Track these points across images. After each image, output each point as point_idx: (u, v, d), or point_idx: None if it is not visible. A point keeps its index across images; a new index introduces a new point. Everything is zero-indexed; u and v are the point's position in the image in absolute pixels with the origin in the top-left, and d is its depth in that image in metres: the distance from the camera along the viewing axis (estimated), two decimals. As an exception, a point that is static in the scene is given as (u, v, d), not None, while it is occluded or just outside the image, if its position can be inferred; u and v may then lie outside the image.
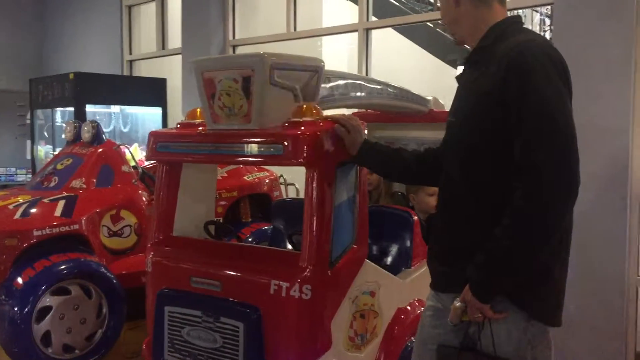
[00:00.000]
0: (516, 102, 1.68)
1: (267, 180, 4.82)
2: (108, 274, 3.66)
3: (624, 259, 3.69)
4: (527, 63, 1.70)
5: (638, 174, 3.71)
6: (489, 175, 1.77)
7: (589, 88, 3.66)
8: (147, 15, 7.91)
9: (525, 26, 1.97)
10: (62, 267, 3.50)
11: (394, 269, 2.81)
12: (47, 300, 3.47)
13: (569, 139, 1.66)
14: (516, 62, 1.71)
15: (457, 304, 1.82)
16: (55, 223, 3.62)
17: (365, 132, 2.37)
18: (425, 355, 1.96)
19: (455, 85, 2.02)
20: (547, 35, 7.21)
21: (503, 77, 1.72)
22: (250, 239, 4.27)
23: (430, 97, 3.55)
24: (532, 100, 1.67)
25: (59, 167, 4.16)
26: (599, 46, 3.73)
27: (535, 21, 8.39)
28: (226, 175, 4.57)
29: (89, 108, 6.61)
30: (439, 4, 8.04)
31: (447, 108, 3.66)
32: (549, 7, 6.60)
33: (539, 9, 7.62)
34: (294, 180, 4.99)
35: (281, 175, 4.96)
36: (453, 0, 1.93)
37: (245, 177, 4.70)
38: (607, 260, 3.71)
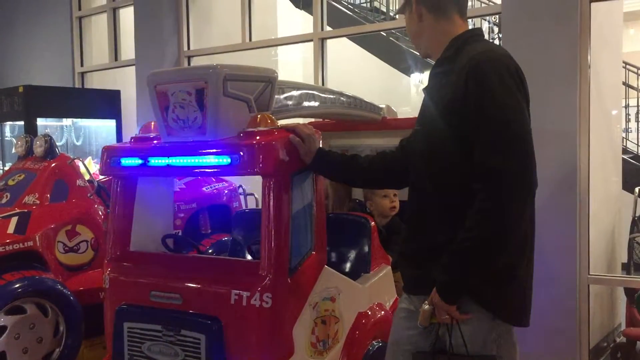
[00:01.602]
0: (475, 110, 1.76)
1: (226, 191, 4.81)
2: (64, 290, 3.58)
3: (575, 258, 3.81)
4: (486, 72, 1.78)
5: (586, 175, 3.85)
6: (456, 179, 1.84)
7: (537, 93, 3.73)
8: (98, 26, 7.79)
9: (485, 38, 2.04)
10: (17, 285, 3.42)
11: (354, 274, 2.84)
12: (2, 320, 3.38)
13: (525, 144, 1.76)
14: (475, 71, 1.79)
15: (426, 306, 1.86)
16: (8, 240, 3.53)
17: (320, 141, 2.41)
18: (399, 355, 2.00)
19: (413, 92, 2.09)
20: (496, 42, 7.41)
21: (463, 86, 1.79)
22: (210, 251, 4.25)
23: (383, 105, 3.61)
24: (490, 108, 1.75)
25: (10, 182, 4.06)
26: (546, 53, 3.86)
27: (483, 29, 8.61)
28: (184, 187, 4.54)
29: (40, 122, 6.45)
30: (392, 14, 8.21)
31: (400, 115, 3.77)
32: (498, 15, 6.80)
33: (487, 17, 7.82)
34: (253, 190, 4.99)
35: (240, 186, 4.96)
36: (416, 15, 2.00)
37: (204, 189, 4.67)
38: (559, 260, 3.83)
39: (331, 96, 3.06)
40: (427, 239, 1.91)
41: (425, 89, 2.04)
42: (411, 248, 2.01)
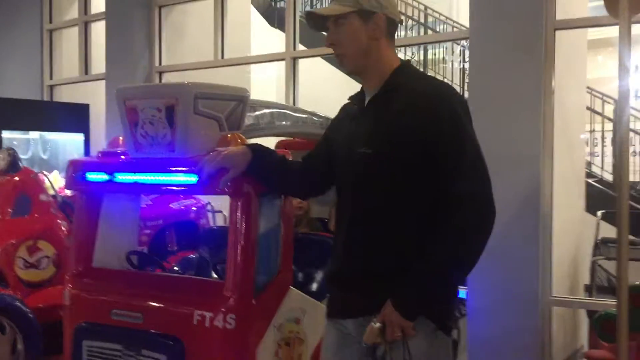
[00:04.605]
0: (446, 141, 1.84)
1: (193, 208, 4.77)
2: (23, 307, 3.51)
3: (537, 280, 3.87)
4: (450, 106, 1.87)
5: (548, 198, 3.92)
6: (410, 204, 1.87)
7: (501, 118, 3.86)
8: (69, 39, 7.71)
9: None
10: (-27, 302, 3.34)
11: (319, 295, 2.83)
12: (-44, 337, 3.29)
13: (487, 171, 1.88)
14: (438, 104, 1.86)
15: (376, 324, 1.85)
16: (-34, 256, 3.45)
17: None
18: None
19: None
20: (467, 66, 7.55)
21: (425, 118, 1.84)
22: (176, 268, 4.19)
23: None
24: (461, 139, 1.85)
25: (-29, 196, 3.97)
26: (511, 78, 3.94)
27: (456, 53, 8.76)
28: (151, 202, 4.49)
29: (6, 134, 6.36)
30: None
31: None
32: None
33: (459, 40, 7.97)
34: (221, 207, 4.95)
35: (208, 203, 4.92)
36: (374, 31, 1.98)
37: (171, 205, 4.63)
38: (522, 281, 3.88)
39: (303, 116, 3.08)
40: (375, 262, 1.91)
41: (360, 113, 2.00)
42: (348, 271, 1.96)
